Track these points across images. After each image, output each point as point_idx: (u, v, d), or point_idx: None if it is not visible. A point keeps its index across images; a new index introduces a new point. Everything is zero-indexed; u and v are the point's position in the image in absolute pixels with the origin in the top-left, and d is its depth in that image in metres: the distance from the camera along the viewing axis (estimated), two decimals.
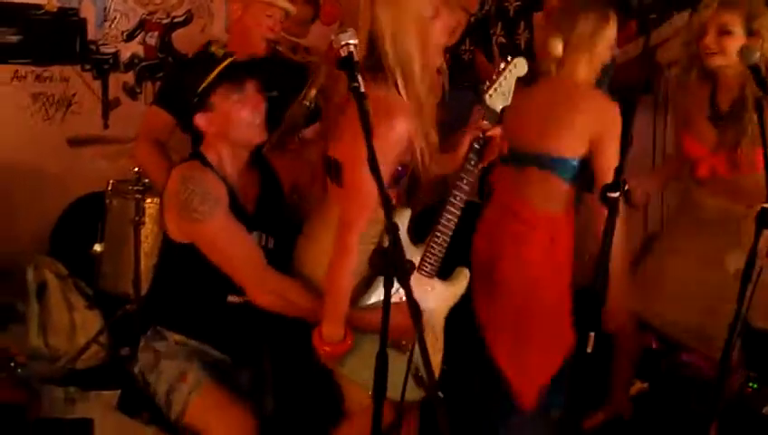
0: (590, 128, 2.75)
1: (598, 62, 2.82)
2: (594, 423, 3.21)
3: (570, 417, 2.65)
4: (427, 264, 2.41)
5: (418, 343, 1.63)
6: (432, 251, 2.41)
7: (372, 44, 2.24)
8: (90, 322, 3.76)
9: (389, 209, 1.72)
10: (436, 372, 2.48)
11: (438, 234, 2.40)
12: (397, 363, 1.87)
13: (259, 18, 3.23)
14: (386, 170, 2.06)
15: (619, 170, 2.17)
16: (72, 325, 3.74)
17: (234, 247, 2.32)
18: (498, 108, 2.40)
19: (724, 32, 2.90)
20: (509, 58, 2.42)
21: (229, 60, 2.46)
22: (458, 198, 2.38)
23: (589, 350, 2.25)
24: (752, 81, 2.59)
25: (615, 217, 2.10)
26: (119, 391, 3.33)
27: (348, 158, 2.23)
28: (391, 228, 1.69)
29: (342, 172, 2.27)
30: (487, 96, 2.38)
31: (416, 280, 2.37)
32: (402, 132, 2.20)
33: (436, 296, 2.47)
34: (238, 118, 2.38)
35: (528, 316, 2.79)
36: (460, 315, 2.62)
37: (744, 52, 2.54)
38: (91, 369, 3.67)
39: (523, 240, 2.81)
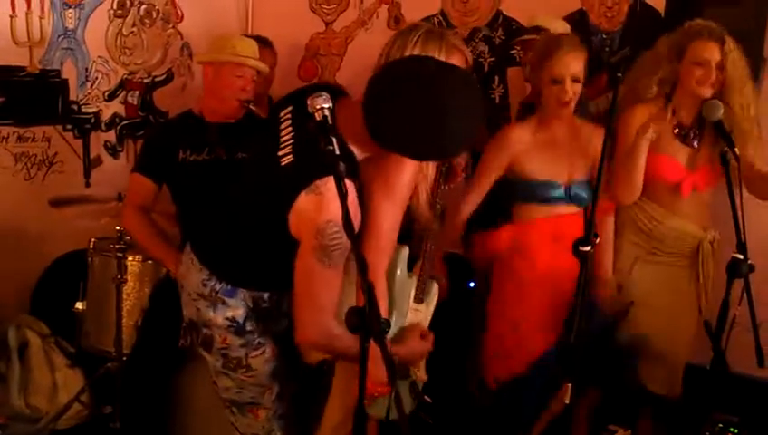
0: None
1: None
2: None
3: None
4: (419, 292, 2.64)
5: (394, 400, 1.66)
6: (422, 279, 2.64)
7: None
8: (72, 381, 3.75)
9: (364, 270, 1.75)
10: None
11: (425, 262, 2.64)
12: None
13: (230, 79, 3.25)
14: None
15: (589, 224, 2.23)
16: (54, 385, 3.72)
17: (323, 293, 2.20)
18: None
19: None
20: None
21: None
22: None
23: (566, 401, 2.29)
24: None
25: (587, 269, 2.16)
26: None
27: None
28: (366, 288, 1.73)
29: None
30: None
31: (411, 309, 2.63)
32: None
33: (425, 317, 2.68)
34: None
35: None
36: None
37: (707, 107, 2.61)
38: (73, 428, 3.66)
39: None
